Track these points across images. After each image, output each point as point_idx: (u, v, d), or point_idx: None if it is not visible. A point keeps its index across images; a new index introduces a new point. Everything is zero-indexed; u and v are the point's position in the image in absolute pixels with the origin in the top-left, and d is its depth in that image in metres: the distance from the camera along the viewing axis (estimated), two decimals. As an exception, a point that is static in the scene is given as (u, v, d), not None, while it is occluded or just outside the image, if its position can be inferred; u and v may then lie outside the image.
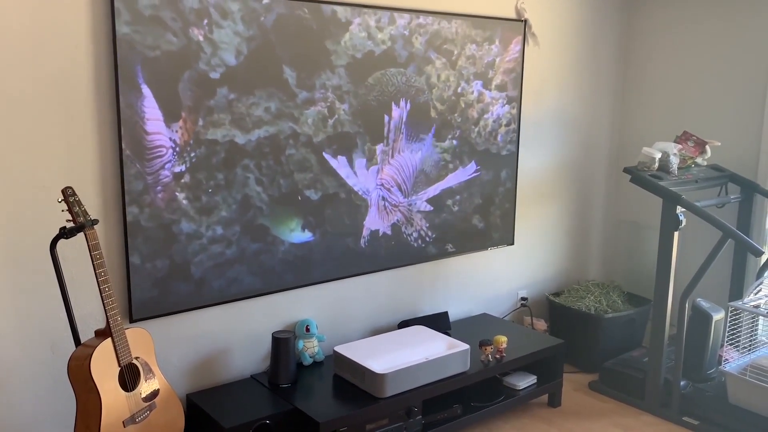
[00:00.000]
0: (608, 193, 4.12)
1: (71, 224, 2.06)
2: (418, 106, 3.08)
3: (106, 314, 2.07)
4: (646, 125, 3.94)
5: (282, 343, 2.65)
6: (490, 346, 2.93)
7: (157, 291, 2.46)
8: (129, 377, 2.13)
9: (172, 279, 2.48)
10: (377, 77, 2.90)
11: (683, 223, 3.00)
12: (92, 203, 2.32)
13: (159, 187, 2.42)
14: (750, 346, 3.21)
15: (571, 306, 3.64)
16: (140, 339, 2.18)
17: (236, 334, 2.72)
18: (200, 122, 2.46)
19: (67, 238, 2.07)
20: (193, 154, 2.47)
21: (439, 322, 3.23)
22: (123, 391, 2.09)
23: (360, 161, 2.92)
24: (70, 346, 2.33)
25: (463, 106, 3.26)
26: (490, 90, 3.35)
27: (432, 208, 3.22)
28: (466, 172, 3.33)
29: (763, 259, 3.43)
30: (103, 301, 2.07)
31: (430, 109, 3.13)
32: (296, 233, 2.79)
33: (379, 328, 3.18)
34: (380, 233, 3.05)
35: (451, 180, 3.28)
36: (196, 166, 2.49)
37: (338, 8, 2.74)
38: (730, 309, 3.02)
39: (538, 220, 3.77)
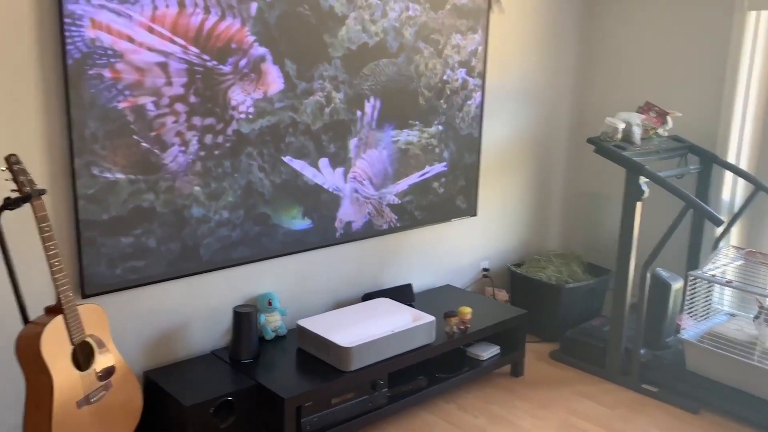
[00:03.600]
0: (568, 164, 4.12)
1: (16, 194, 1.92)
2: (408, 94, 3.09)
3: (56, 290, 1.95)
4: (606, 97, 3.93)
5: (243, 318, 2.57)
6: (454, 318, 2.91)
7: (111, 264, 2.34)
8: (82, 356, 2.02)
9: (126, 252, 2.36)
10: (371, 68, 2.91)
11: (646, 194, 3.01)
12: (39, 172, 2.17)
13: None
14: (705, 314, 3.27)
15: (532, 276, 3.64)
16: (94, 315, 2.07)
17: (196, 308, 2.62)
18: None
19: (11, 209, 1.93)
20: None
21: (403, 294, 3.19)
22: (76, 371, 1.99)
23: (354, 141, 2.93)
24: (18, 325, 2.20)
25: (448, 93, 3.26)
26: (473, 77, 3.35)
27: (406, 188, 3.16)
28: (437, 168, 3.32)
29: (720, 229, 3.49)
30: (52, 275, 1.94)
31: (418, 96, 3.13)
32: (297, 220, 2.78)
33: (342, 301, 3.12)
34: (358, 224, 2.98)
35: (423, 176, 3.28)
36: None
37: (335, 3, 2.74)
38: (689, 278, 3.06)
39: (501, 191, 3.75)
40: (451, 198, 3.41)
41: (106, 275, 2.33)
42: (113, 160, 2.27)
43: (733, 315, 3.34)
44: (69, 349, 1.97)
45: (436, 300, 3.28)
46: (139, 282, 2.41)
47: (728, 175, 3.51)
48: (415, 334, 2.71)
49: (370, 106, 2.94)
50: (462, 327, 2.95)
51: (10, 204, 1.93)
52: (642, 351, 3.15)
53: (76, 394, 1.97)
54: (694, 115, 3.58)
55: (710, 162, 3.43)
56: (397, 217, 3.19)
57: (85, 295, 2.30)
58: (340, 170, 2.90)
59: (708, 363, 2.95)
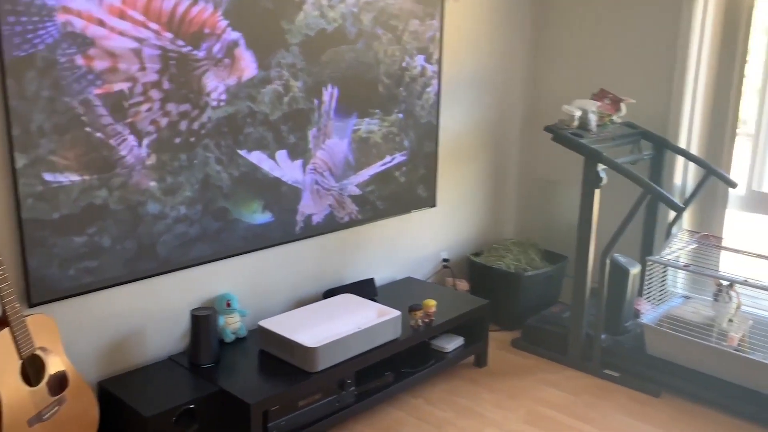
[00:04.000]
0: (522, 152, 4.13)
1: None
2: (367, 82, 3.01)
3: (0, 301, 1.80)
4: (559, 85, 3.95)
5: (202, 321, 2.46)
6: (419, 311, 2.87)
7: (63, 265, 2.19)
8: (32, 371, 1.88)
9: (80, 251, 2.22)
10: (330, 54, 2.82)
11: (604, 181, 3.03)
12: (-25, 174, 2.01)
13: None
14: (661, 298, 3.32)
15: (491, 265, 3.63)
16: (43, 327, 1.93)
17: (150, 312, 2.50)
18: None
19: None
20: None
21: (365, 289, 3.13)
22: (26, 387, 1.85)
23: (313, 131, 2.84)
24: None
25: (407, 80, 3.19)
26: (431, 64, 3.30)
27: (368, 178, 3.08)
28: (398, 158, 3.26)
29: (673, 214, 3.54)
30: (-3, 286, 1.80)
31: (377, 83, 3.05)
32: (257, 214, 2.68)
33: (303, 299, 3.03)
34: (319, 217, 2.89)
35: (386, 164, 3.21)
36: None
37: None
38: (648, 264, 3.10)
39: (458, 181, 3.72)
40: (412, 187, 3.36)
41: (57, 278, 2.18)
42: (63, 155, 2.12)
43: (687, 297, 3.41)
44: (17, 364, 1.83)
45: (398, 293, 3.23)
46: (93, 285, 2.27)
47: (679, 161, 3.57)
48: (381, 330, 2.65)
49: (328, 95, 2.85)
50: (427, 320, 2.91)
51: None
52: (602, 336, 3.18)
53: (27, 412, 1.84)
54: (645, 101, 3.62)
55: (662, 147, 3.48)
56: (358, 209, 3.11)
57: (31, 304, 2.15)
58: (298, 162, 2.81)
59: (667, 346, 3.00)
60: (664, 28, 3.51)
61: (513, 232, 4.21)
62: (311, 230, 2.92)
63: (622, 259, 3.25)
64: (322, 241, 3.04)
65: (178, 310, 2.58)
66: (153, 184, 2.36)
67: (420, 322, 2.87)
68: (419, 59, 3.24)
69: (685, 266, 2.97)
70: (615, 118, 3.40)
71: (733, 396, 2.83)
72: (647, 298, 3.24)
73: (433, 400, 2.91)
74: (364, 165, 3.09)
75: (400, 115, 3.21)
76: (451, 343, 3.06)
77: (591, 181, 3.04)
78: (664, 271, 3.36)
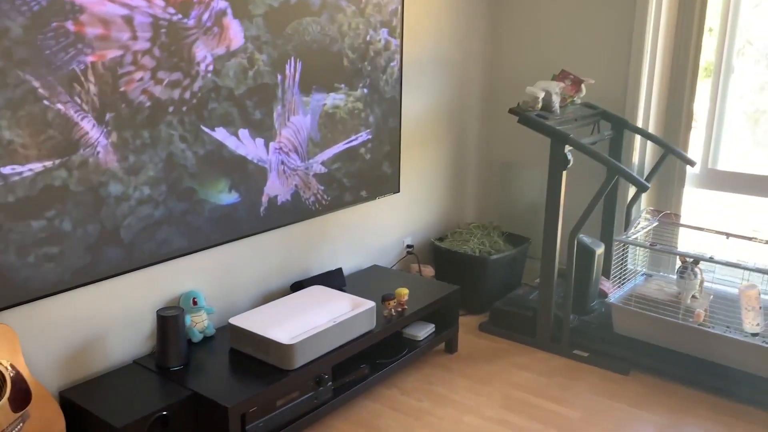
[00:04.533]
0: (480, 134, 4.10)
1: None
2: (332, 55, 2.90)
3: (-46, 313, 1.64)
4: (517, 66, 3.93)
5: (169, 322, 2.32)
6: (392, 300, 2.80)
7: (21, 252, 2.01)
8: (-7, 386, 1.73)
9: (39, 237, 2.04)
10: (294, 27, 2.70)
11: (571, 162, 3.02)
12: None
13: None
14: (623, 277, 3.36)
15: (456, 250, 3.60)
16: (1, 338, 1.77)
17: (110, 314, 2.35)
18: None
19: None
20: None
21: (333, 279, 3.04)
22: (-13, 405, 1.69)
23: (278, 108, 2.72)
24: None
25: (372, 54, 3.09)
26: (395, 38, 3.21)
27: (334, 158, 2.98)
28: (363, 136, 3.17)
29: (631, 194, 3.59)
30: (-52, 297, 1.63)
31: (342, 57, 2.95)
32: (224, 194, 2.56)
33: (270, 293, 2.92)
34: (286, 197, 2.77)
35: (350, 142, 3.11)
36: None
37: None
38: (615, 243, 3.12)
39: (420, 165, 3.66)
40: (377, 164, 3.28)
41: (15, 267, 2.00)
42: (17, 133, 1.95)
43: (649, 275, 3.46)
44: (-24, 380, 1.68)
45: (365, 282, 3.16)
46: (53, 279, 2.10)
47: (637, 140, 3.61)
48: (356, 322, 2.57)
49: (291, 68, 2.73)
50: (399, 309, 2.85)
51: None
52: (571, 317, 3.20)
53: (-11, 432, 1.69)
54: (602, 81, 3.64)
55: (621, 127, 3.51)
56: (323, 188, 3.00)
57: (-17, 313, 1.98)
58: (261, 141, 2.68)
59: (635, 324, 3.03)
60: (621, 8, 3.52)
61: (474, 216, 4.19)
62: (276, 212, 2.80)
63: (586, 239, 3.26)
64: (287, 232, 2.94)
65: (140, 310, 2.44)
66: (115, 164, 2.20)
67: (393, 311, 2.81)
68: (383, 32, 3.15)
69: (652, 245, 3.01)
70: (576, 99, 3.40)
71: (700, 371, 2.90)
72: (614, 277, 3.27)
73: (407, 389, 2.87)
74: (330, 142, 2.99)
75: (365, 90, 3.12)
76: (423, 331, 3.01)
77: (558, 163, 3.03)
78: (625, 250, 3.40)
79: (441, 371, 3.03)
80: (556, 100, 3.21)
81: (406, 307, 2.87)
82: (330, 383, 2.51)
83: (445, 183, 3.89)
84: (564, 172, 3.04)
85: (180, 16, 2.30)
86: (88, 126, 2.11)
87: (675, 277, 3.37)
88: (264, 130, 2.68)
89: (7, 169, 1.94)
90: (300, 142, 2.84)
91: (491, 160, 4.12)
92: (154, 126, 2.30)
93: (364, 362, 2.75)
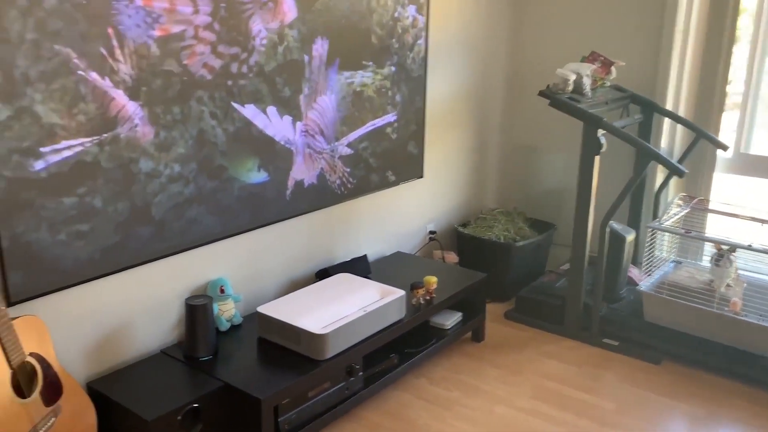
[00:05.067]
0: (504, 117, 4.01)
1: None
2: (360, 32, 2.81)
3: (-15, 305, 1.58)
4: (542, 48, 3.82)
5: (198, 311, 2.26)
6: (421, 288, 2.74)
7: (32, 267, 1.95)
8: (24, 380, 1.67)
9: (42, 252, 1.98)
10: (324, 2, 2.61)
11: (604, 147, 2.94)
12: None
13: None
14: (653, 264, 3.29)
15: (481, 236, 3.53)
16: (32, 330, 1.72)
17: (138, 303, 2.28)
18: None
19: None
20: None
21: (359, 266, 2.98)
22: (18, 399, 1.64)
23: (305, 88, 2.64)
24: None
25: (399, 31, 3.00)
26: (422, 15, 3.12)
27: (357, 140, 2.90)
28: (390, 117, 3.09)
29: (659, 181, 3.51)
30: (-21, 288, 1.57)
31: (371, 34, 2.86)
32: (253, 173, 2.49)
33: (296, 280, 2.86)
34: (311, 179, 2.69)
35: (377, 122, 3.03)
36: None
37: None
38: (648, 230, 3.05)
39: (443, 149, 3.58)
40: (403, 144, 3.20)
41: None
42: (51, 107, 1.88)
43: (678, 263, 3.39)
44: (8, 374, 1.62)
45: (390, 269, 3.10)
46: (71, 281, 2.04)
47: (666, 124, 3.52)
48: (386, 311, 2.51)
49: (318, 48, 2.64)
50: (428, 297, 2.79)
51: None
52: (602, 305, 3.13)
53: (22, 428, 1.63)
54: (631, 62, 3.54)
55: (651, 111, 3.42)
56: (349, 170, 2.93)
57: (10, 303, 1.91)
58: (288, 118, 2.60)
59: (667, 313, 2.97)
60: (653, -13, 3.42)
61: (496, 201, 4.12)
62: (302, 195, 2.73)
63: (616, 226, 3.19)
64: (311, 218, 2.86)
65: (167, 298, 2.38)
66: (147, 139, 2.13)
67: (422, 299, 2.75)
68: (411, 9, 3.06)
69: (687, 232, 2.93)
70: (606, 81, 3.31)
71: (734, 360, 2.83)
72: (646, 264, 3.20)
73: (436, 379, 2.81)
74: (357, 122, 2.91)
75: (393, 68, 3.03)
76: (450, 320, 2.95)
77: (590, 148, 2.94)
78: (653, 237, 3.33)
79: (469, 360, 2.97)
80: (587, 83, 3.12)
81: (434, 295, 2.81)
82: (361, 373, 2.45)
83: (468, 167, 3.81)
84: (597, 157, 2.96)
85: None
86: (125, 101, 2.06)
87: (704, 264, 3.30)
88: (292, 108, 2.61)
89: (47, 148, 1.89)
90: (326, 123, 2.77)
91: (514, 143, 4.03)
92: (187, 101, 2.23)
93: (393, 351, 2.69)
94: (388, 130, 3.11)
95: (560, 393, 2.73)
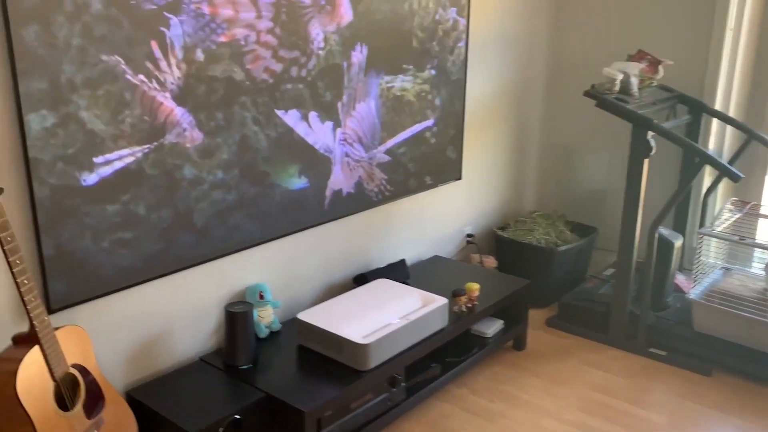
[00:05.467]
0: (543, 117, 3.90)
1: (-36, 197, 1.47)
2: (401, 35, 2.74)
3: (27, 314, 1.53)
4: (582, 45, 3.71)
5: (239, 318, 2.21)
6: (463, 296, 2.66)
7: (74, 275, 1.90)
8: (67, 392, 1.62)
9: (85, 260, 1.93)
10: (366, 5, 2.56)
11: (654, 150, 2.83)
12: (-18, 163, 1.71)
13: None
14: (701, 271, 3.16)
15: (521, 240, 3.43)
16: (74, 339, 1.67)
17: (177, 309, 2.23)
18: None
19: (-42, 216, 1.48)
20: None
21: (397, 271, 2.90)
22: (61, 412, 1.59)
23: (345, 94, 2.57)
24: None
25: (440, 34, 2.92)
26: (463, 17, 3.03)
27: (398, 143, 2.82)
28: (429, 122, 3.01)
29: (707, 185, 3.38)
30: (22, 296, 1.52)
31: (411, 37, 2.78)
32: (294, 179, 2.44)
33: (334, 285, 2.79)
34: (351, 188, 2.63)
35: (416, 128, 2.95)
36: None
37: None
38: (698, 236, 2.93)
39: (481, 150, 3.49)
40: (442, 148, 3.12)
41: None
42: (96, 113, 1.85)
43: (727, 269, 3.26)
44: (51, 386, 1.57)
45: (429, 274, 3.02)
46: (110, 288, 1.99)
47: (714, 125, 3.39)
48: (429, 319, 2.43)
49: (357, 54, 2.57)
50: (470, 305, 2.70)
51: (-44, 210, 1.48)
52: (650, 314, 3.02)
53: (64, 441, 1.58)
54: (679, 61, 3.41)
55: (699, 111, 3.29)
56: (387, 177, 2.85)
57: (50, 311, 1.87)
58: (329, 124, 2.54)
59: (718, 322, 2.85)
60: (703, -17, 3.29)
61: (534, 203, 4.01)
62: (339, 204, 2.66)
63: (664, 231, 3.07)
64: (348, 222, 2.79)
65: (206, 304, 2.32)
66: (189, 146, 2.08)
67: (464, 307, 2.67)
68: (452, 11, 2.98)
69: (741, 239, 2.81)
70: (653, 81, 3.20)
71: (792, 373, 2.71)
72: (691, 271, 3.08)
73: (478, 389, 2.73)
74: (398, 127, 2.83)
75: (433, 72, 2.95)
76: (492, 328, 2.87)
77: (640, 150, 2.84)
78: (700, 243, 3.20)
79: (511, 369, 2.88)
80: (634, 83, 3.01)
81: (476, 302, 2.72)
82: (403, 384, 2.38)
83: (506, 168, 3.72)
84: (646, 160, 2.85)
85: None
86: (173, 106, 2.02)
87: (755, 271, 3.17)
88: (333, 113, 2.54)
89: (99, 159, 1.87)
90: (364, 131, 2.70)
91: (553, 144, 3.93)
92: (230, 107, 2.18)
93: (434, 361, 2.61)
94: (427, 134, 3.03)
95: (608, 405, 2.63)
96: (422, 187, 3.07)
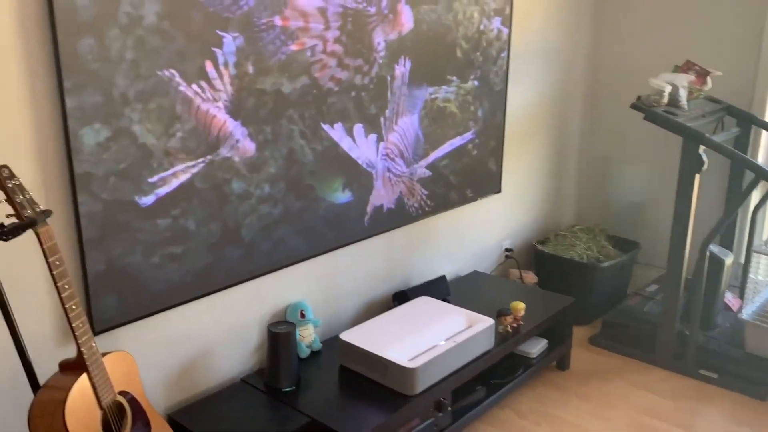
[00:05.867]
0: (582, 129, 3.81)
1: (13, 220, 1.43)
2: (446, 45, 2.68)
3: (75, 340, 1.48)
4: (623, 56, 3.61)
5: (281, 339, 2.15)
6: (509, 316, 2.57)
7: (122, 293, 1.86)
8: (114, 420, 1.57)
9: (135, 276, 1.88)
10: (422, 13, 2.54)
11: (706, 164, 2.73)
12: (29, 184, 1.66)
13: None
14: (752, 289, 3.05)
15: (563, 255, 3.34)
16: (122, 366, 1.61)
17: (218, 328, 2.18)
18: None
19: (6, 239, 1.43)
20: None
21: (437, 288, 2.83)
22: (108, 441, 1.54)
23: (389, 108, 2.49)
24: (25, 393, 1.71)
25: (484, 44, 2.86)
26: (506, 27, 2.97)
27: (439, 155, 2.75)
28: (470, 136, 2.93)
29: (756, 199, 3.27)
30: (70, 323, 1.47)
31: (456, 48, 2.73)
32: (338, 193, 2.39)
33: (372, 303, 2.73)
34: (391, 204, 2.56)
35: (458, 141, 2.89)
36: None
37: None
38: (749, 254, 2.82)
39: (520, 162, 3.41)
40: (483, 160, 3.04)
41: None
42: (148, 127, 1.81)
43: (778, 287, 3.14)
44: (98, 414, 1.52)
45: (469, 291, 2.94)
46: (180, 274, 1.96)
47: (764, 138, 3.28)
48: (475, 341, 2.36)
49: (400, 67, 2.51)
50: (515, 325, 2.62)
51: (5, 233, 1.43)
52: (700, 333, 2.91)
53: (111, 472, 1.53)
54: (726, 72, 3.30)
55: (748, 124, 3.18)
56: (427, 192, 2.78)
57: (94, 332, 1.82)
58: (373, 137, 2.48)
59: (773, 344, 2.74)
60: (754, -9, 3.18)
61: (572, 216, 3.92)
62: (380, 220, 2.60)
63: (714, 248, 2.97)
64: (387, 237, 2.73)
65: (247, 323, 2.27)
66: (238, 159, 2.03)
67: (509, 327, 2.59)
68: (496, 21, 2.91)
69: (798, 258, 2.70)
70: (702, 93, 3.09)
71: None
72: (742, 290, 2.97)
73: (522, 411, 2.64)
74: (440, 139, 2.77)
75: (476, 83, 2.88)
76: (536, 347, 2.78)
77: (691, 165, 2.74)
78: (750, 260, 3.09)
79: (555, 391, 2.79)
80: (683, 95, 2.92)
81: (521, 322, 2.64)
82: (449, 408, 2.30)
83: (544, 181, 3.63)
84: (697, 175, 2.75)
85: (364, 4, 2.28)
86: (227, 120, 1.98)
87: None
88: (376, 126, 2.48)
89: (154, 178, 1.85)
90: (406, 145, 2.63)
91: (592, 156, 3.83)
92: (278, 120, 2.14)
93: (478, 383, 2.53)
94: (469, 146, 2.96)
95: (657, 430, 2.53)
96: (463, 201, 3.00)
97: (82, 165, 1.70)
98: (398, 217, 2.68)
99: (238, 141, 2.02)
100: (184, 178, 1.91)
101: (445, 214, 2.99)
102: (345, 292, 2.60)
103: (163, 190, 1.87)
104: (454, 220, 3.06)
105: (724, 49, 3.29)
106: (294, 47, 2.10)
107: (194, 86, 1.88)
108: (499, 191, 3.23)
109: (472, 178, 3.01)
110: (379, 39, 2.36)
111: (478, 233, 3.23)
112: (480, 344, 2.38)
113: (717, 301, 2.98)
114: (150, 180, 1.84)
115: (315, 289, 2.47)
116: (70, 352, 1.76)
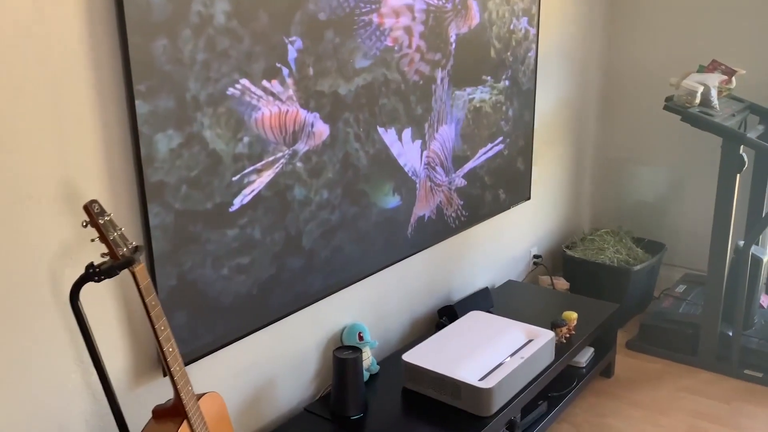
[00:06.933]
0: (602, 129, 3.79)
1: (107, 259, 1.31)
2: (482, 45, 2.63)
3: (174, 386, 1.37)
4: (642, 55, 3.61)
5: (349, 365, 2.05)
6: (564, 327, 2.52)
7: (195, 327, 1.74)
8: (212, 469, 1.45)
9: (204, 290, 1.77)
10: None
11: (746, 164, 2.72)
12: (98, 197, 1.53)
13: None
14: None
15: (594, 260, 3.31)
16: (213, 408, 1.50)
17: (280, 355, 2.07)
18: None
19: (99, 280, 1.31)
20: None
21: (482, 300, 2.76)
22: (208, 491, 1.42)
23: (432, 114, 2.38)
24: None
25: (514, 44, 2.81)
26: (533, 27, 2.93)
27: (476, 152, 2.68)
28: (499, 143, 2.88)
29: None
30: (168, 367, 1.36)
31: (490, 48, 2.67)
32: (388, 197, 2.31)
33: (417, 319, 2.64)
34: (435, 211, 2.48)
35: (493, 147, 2.83)
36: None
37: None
38: (792, 252, 2.82)
39: (545, 165, 3.36)
40: (513, 160, 2.99)
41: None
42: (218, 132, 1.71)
43: (810, 283, 3.16)
44: (198, 464, 1.40)
45: (510, 301, 2.88)
46: (248, 286, 1.85)
47: (784, 134, 3.29)
48: (540, 355, 2.29)
49: (441, 71, 2.44)
50: (569, 335, 2.57)
51: (97, 274, 1.31)
52: (729, 333, 2.91)
53: None
54: (748, 70, 3.32)
55: (772, 121, 3.20)
56: (463, 202, 2.72)
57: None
58: (419, 142, 2.40)
59: (818, 341, 2.74)
60: (773, -10, 3.20)
61: (592, 218, 3.90)
62: (422, 231, 2.52)
63: (753, 247, 2.96)
64: (427, 252, 2.64)
65: (306, 348, 2.16)
66: (300, 164, 1.94)
67: (563, 339, 2.53)
68: (524, 21, 2.87)
69: (843, 255, 2.71)
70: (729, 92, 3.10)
71: None
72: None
73: (578, 422, 2.59)
74: (477, 141, 2.71)
75: (507, 82, 2.83)
76: (585, 356, 2.73)
77: (732, 166, 2.73)
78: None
79: (606, 399, 2.75)
80: (714, 95, 2.91)
81: (574, 332, 2.59)
82: (521, 427, 2.23)
83: (566, 184, 3.60)
84: (738, 176, 2.74)
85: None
86: (305, 115, 1.93)
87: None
88: (422, 131, 2.41)
89: (236, 202, 1.76)
90: (446, 154, 2.56)
91: (611, 157, 3.81)
92: (333, 123, 2.02)
93: (539, 397, 2.47)
94: (505, 152, 2.90)
95: (718, 435, 2.51)
96: (496, 210, 2.94)
97: (156, 173, 1.57)
98: (438, 227, 2.60)
99: (313, 125, 1.93)
100: (258, 187, 1.80)
101: (480, 223, 2.93)
102: (391, 311, 2.51)
103: (238, 200, 1.77)
104: (488, 229, 3.00)
105: (742, 47, 3.30)
106: (389, 41, 2.03)
107: (262, 91, 1.78)
108: (528, 198, 3.18)
109: (504, 177, 2.95)
110: (454, 32, 2.42)
111: (507, 242, 3.18)
112: (544, 358, 2.32)
113: (755, 300, 2.98)
114: (224, 186, 1.73)
115: (366, 309, 2.38)
116: (142, 396, 1.63)
